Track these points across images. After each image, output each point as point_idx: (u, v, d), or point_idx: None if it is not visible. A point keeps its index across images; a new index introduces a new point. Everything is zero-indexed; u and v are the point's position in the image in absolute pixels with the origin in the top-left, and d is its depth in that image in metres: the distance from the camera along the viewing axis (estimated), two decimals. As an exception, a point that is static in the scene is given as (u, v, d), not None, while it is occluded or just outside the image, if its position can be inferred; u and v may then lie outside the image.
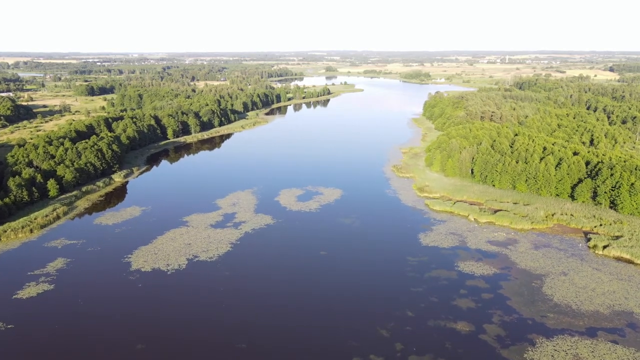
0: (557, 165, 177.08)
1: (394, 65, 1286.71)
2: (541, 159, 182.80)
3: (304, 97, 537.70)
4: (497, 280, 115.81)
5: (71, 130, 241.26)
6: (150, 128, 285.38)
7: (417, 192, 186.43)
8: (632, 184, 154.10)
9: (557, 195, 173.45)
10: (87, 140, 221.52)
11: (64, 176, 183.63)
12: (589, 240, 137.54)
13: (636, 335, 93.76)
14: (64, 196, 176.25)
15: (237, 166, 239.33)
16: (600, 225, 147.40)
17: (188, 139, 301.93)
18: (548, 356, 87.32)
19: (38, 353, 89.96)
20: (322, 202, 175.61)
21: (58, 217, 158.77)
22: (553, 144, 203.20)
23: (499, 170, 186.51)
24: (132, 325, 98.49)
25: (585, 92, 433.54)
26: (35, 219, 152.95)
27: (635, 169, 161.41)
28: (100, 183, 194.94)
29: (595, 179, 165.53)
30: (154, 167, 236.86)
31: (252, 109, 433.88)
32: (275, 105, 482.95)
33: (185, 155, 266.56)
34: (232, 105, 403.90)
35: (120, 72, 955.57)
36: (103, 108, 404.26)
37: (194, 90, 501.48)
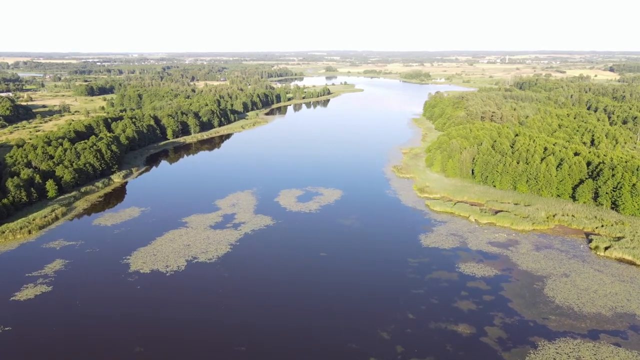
0: (558, 166, 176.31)
1: (394, 65, 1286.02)
2: (542, 160, 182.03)
3: (303, 97, 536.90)
4: (498, 282, 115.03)
5: (70, 131, 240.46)
6: (149, 128, 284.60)
7: (418, 192, 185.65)
8: (634, 184, 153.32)
9: (558, 196, 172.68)
10: (86, 140, 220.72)
11: (62, 177, 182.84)
12: (590, 241, 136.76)
13: (639, 337, 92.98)
14: (62, 197, 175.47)
15: (237, 166, 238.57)
16: (602, 226, 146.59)
17: (188, 139, 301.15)
18: (550, 359, 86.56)
19: (36, 355, 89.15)
20: (322, 202, 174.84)
21: (56, 218, 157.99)
22: (554, 145, 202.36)
23: (499, 171, 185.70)
24: (131, 327, 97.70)
25: (586, 92, 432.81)
26: (33, 220, 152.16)
27: (637, 170, 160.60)
28: (99, 184, 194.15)
29: (596, 180, 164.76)
30: (154, 167, 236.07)
31: (252, 109, 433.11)
32: (275, 106, 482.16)
33: (185, 156, 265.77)
34: (231, 105, 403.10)
35: (120, 72, 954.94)
36: (102, 108, 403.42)
37: (193, 91, 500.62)
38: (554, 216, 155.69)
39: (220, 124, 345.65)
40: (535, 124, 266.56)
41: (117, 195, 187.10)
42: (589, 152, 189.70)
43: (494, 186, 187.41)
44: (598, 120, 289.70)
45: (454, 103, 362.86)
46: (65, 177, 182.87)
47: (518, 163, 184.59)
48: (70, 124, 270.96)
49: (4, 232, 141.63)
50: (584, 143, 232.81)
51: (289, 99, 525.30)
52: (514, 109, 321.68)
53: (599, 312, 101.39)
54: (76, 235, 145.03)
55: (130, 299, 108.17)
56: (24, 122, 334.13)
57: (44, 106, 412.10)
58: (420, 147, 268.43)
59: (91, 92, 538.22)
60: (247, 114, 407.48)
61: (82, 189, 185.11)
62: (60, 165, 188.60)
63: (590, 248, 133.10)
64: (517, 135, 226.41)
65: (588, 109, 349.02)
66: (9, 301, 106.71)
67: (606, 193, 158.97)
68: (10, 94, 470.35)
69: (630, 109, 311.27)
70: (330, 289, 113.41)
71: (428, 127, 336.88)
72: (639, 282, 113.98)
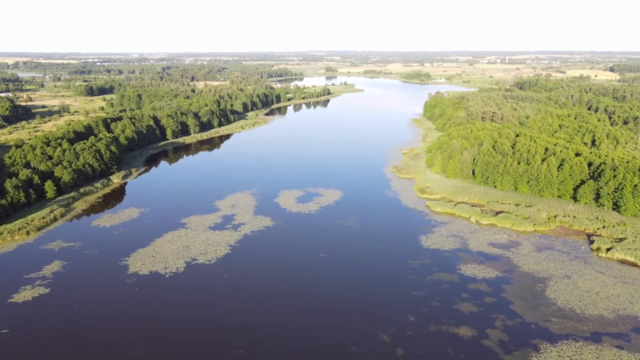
0: (559, 167, 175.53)
1: (394, 66, 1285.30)
2: (543, 160, 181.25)
3: (303, 98, 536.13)
4: (500, 284, 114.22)
5: (69, 131, 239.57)
6: (149, 129, 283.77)
7: (418, 193, 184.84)
8: (635, 185, 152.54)
9: (560, 196, 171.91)
10: (85, 141, 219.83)
11: (61, 177, 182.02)
12: (592, 242, 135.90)
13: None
14: (61, 198, 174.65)
15: (237, 167, 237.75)
16: (603, 227, 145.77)
17: (187, 139, 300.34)
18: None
19: (34, 358, 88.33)
20: (322, 203, 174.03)
21: (55, 219, 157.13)
22: (555, 145, 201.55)
23: (500, 172, 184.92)
24: (129, 329, 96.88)
25: (586, 92, 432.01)
26: (32, 220, 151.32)
27: (639, 171, 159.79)
28: (98, 184, 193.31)
29: (597, 180, 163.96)
30: (153, 168, 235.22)
31: (252, 110, 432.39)
32: (275, 106, 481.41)
33: (185, 156, 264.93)
34: (231, 105, 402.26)
35: (120, 72, 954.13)
36: (102, 108, 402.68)
37: (193, 91, 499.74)
38: (555, 217, 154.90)
39: (220, 124, 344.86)
40: (536, 124, 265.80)
41: (116, 196, 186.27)
42: (590, 153, 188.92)
43: (495, 187, 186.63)
44: (599, 120, 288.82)
45: (454, 103, 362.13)
46: (64, 177, 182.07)
47: (519, 164, 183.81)
48: (70, 124, 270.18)
49: (2, 234, 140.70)
50: (585, 143, 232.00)
51: (289, 99, 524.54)
52: (515, 109, 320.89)
53: (601, 314, 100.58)
54: (75, 236, 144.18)
55: (129, 301, 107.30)
56: (23, 122, 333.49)
57: (43, 106, 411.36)
58: (420, 147, 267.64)
59: (91, 92, 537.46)
60: (247, 114, 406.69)
61: (81, 190, 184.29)
62: (59, 165, 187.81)
63: (592, 249, 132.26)
64: (517, 135, 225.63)
65: (589, 109, 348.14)
66: (7, 303, 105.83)
67: (607, 194, 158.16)
68: (10, 94, 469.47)
69: (631, 109, 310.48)
70: (330, 290, 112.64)
71: (428, 128, 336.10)
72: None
